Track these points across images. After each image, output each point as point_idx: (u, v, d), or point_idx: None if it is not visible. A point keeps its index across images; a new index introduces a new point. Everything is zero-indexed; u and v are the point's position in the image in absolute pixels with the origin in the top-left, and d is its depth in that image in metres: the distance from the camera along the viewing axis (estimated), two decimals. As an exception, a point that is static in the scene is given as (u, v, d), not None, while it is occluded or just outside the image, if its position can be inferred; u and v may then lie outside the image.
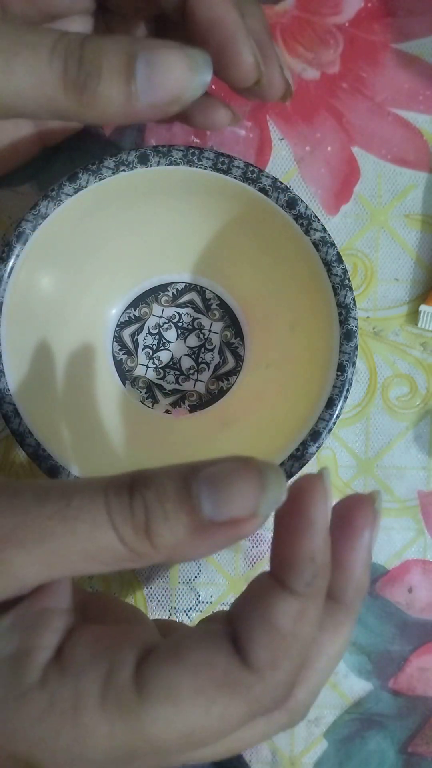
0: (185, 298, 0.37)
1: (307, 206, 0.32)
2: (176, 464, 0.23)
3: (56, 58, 0.26)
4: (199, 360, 0.37)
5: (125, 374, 0.37)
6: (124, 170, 0.32)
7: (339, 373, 0.32)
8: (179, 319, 0.37)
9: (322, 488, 0.23)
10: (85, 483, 0.22)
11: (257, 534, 0.38)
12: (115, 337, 0.37)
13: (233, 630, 0.23)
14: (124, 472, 0.23)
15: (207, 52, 0.27)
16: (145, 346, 0.37)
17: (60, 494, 0.22)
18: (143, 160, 0.32)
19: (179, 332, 0.37)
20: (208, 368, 0.37)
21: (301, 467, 0.32)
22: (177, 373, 0.37)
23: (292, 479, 0.31)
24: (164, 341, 0.37)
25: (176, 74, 0.26)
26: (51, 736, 0.21)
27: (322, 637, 0.25)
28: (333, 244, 0.32)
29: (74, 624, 0.23)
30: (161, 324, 0.37)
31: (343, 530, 0.24)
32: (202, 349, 0.37)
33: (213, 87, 0.29)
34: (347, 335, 0.32)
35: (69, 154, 0.38)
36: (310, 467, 0.37)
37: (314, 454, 0.32)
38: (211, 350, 0.37)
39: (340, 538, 0.24)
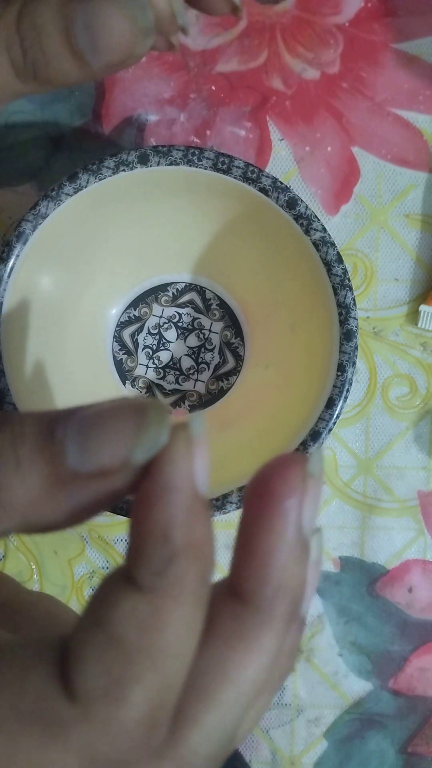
0: (185, 298, 0.37)
1: (307, 206, 0.32)
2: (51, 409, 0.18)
3: (0, 54, 0.25)
4: (199, 360, 0.37)
5: (125, 374, 0.37)
6: (124, 170, 0.32)
7: (339, 373, 0.32)
8: (179, 319, 0.37)
9: (185, 437, 0.17)
10: None
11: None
12: (115, 337, 0.37)
13: (65, 643, 0.17)
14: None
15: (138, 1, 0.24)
16: (145, 346, 0.37)
17: None
18: (143, 160, 0.32)
19: (179, 332, 0.37)
20: (208, 368, 0.37)
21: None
22: (177, 373, 0.37)
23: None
24: (164, 341, 0.37)
25: (117, 32, 0.24)
26: None
27: (226, 655, 0.17)
28: (333, 244, 0.32)
29: None
30: (161, 324, 0.37)
31: (257, 502, 0.17)
32: (202, 349, 0.37)
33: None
34: (347, 335, 0.32)
35: (69, 154, 0.38)
36: (310, 467, 0.37)
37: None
38: (211, 350, 0.37)
39: (251, 515, 0.17)
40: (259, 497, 0.17)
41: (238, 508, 0.32)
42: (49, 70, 0.25)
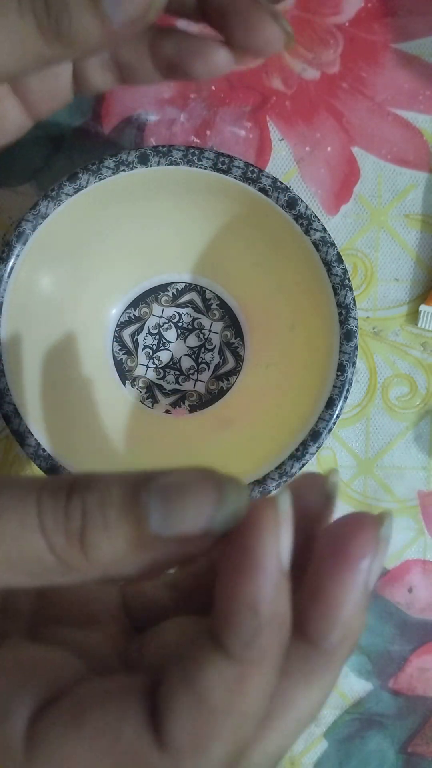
0: (185, 298, 0.37)
1: (307, 206, 0.32)
2: (131, 471, 0.19)
3: (25, 12, 0.26)
4: (199, 360, 0.37)
5: (125, 374, 0.37)
6: (124, 170, 0.32)
7: (339, 373, 0.32)
8: (179, 319, 0.37)
9: (273, 516, 0.18)
10: (20, 480, 0.19)
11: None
12: (115, 337, 0.37)
13: (152, 687, 0.18)
14: (69, 473, 0.20)
15: None
16: (145, 346, 0.37)
17: None
18: (143, 160, 0.32)
19: (179, 332, 0.37)
20: (208, 368, 0.37)
21: (301, 467, 0.32)
22: (177, 373, 0.37)
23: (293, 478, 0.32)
24: (164, 341, 0.37)
25: None
26: None
27: (291, 689, 0.19)
28: (333, 244, 0.32)
29: None
30: (161, 324, 0.37)
31: (334, 557, 0.19)
32: (202, 349, 0.37)
33: (205, 29, 0.29)
34: (347, 335, 0.32)
35: (69, 154, 0.38)
36: (310, 467, 0.37)
37: (314, 454, 0.32)
38: (211, 350, 0.37)
39: (327, 567, 0.19)
40: (334, 553, 0.19)
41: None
42: (71, 26, 0.25)
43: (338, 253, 0.32)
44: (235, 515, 0.18)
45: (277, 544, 0.18)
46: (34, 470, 0.37)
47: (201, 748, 0.17)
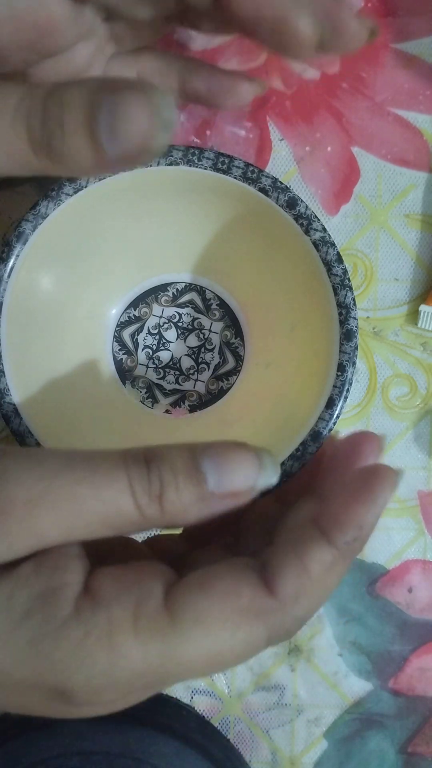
0: (185, 298, 0.37)
1: (307, 206, 0.32)
2: (177, 444, 0.25)
3: (19, 121, 0.25)
4: (199, 360, 0.37)
5: (125, 374, 0.37)
6: (124, 170, 0.32)
7: (339, 373, 0.32)
8: (179, 319, 0.37)
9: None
10: (103, 453, 0.25)
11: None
12: (115, 337, 0.37)
13: (263, 560, 0.24)
14: (132, 447, 0.25)
15: (165, 94, 0.25)
16: (145, 346, 0.37)
17: (85, 462, 0.24)
18: (143, 160, 0.32)
19: (179, 332, 0.37)
20: (208, 368, 0.37)
21: (301, 467, 0.32)
22: (177, 373, 0.37)
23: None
24: (164, 341, 0.37)
25: (138, 119, 0.24)
26: (88, 662, 0.23)
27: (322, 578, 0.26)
28: (333, 244, 0.32)
29: (91, 566, 0.25)
30: (161, 324, 0.37)
31: (360, 486, 0.25)
32: (202, 349, 0.37)
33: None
34: (347, 335, 0.32)
35: (69, 154, 0.38)
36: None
37: (314, 454, 0.32)
38: (211, 350, 0.37)
39: (355, 489, 0.25)
40: (360, 484, 0.25)
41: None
42: (63, 147, 0.25)
43: (338, 253, 0.32)
44: (271, 478, 0.25)
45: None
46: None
47: (299, 600, 0.24)
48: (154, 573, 0.25)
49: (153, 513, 0.24)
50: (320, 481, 0.28)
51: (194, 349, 0.37)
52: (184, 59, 0.33)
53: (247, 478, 0.25)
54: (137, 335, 0.37)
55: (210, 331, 0.37)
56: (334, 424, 0.32)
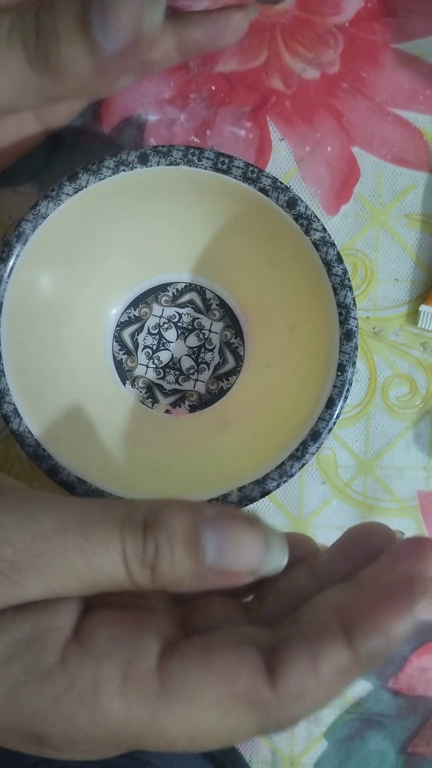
0: (185, 298, 0.37)
1: (307, 206, 0.32)
2: (184, 502, 0.24)
3: (14, 38, 0.25)
4: (199, 360, 0.37)
5: (125, 374, 0.37)
6: (124, 170, 0.32)
7: (339, 373, 0.32)
8: (179, 319, 0.37)
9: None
10: (100, 514, 0.23)
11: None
12: (115, 337, 0.37)
13: (273, 646, 0.23)
14: (138, 502, 0.24)
15: None
16: (145, 346, 0.37)
17: (78, 526, 0.23)
18: (143, 160, 0.32)
19: (179, 332, 0.37)
20: (208, 368, 0.37)
21: (301, 467, 0.32)
22: (177, 373, 0.37)
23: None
24: (164, 341, 0.37)
25: (129, 6, 0.25)
26: (67, 716, 0.22)
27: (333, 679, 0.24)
28: (333, 244, 0.32)
29: (86, 607, 0.24)
30: (161, 324, 0.37)
31: (401, 590, 0.23)
32: (202, 349, 0.37)
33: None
34: (347, 335, 0.32)
35: (69, 154, 0.38)
36: (310, 467, 0.38)
37: (314, 454, 0.32)
38: (211, 350, 0.37)
39: (393, 593, 0.23)
40: (396, 590, 0.23)
41: (237, 507, 0.32)
42: (60, 54, 0.25)
43: (338, 253, 0.32)
44: (278, 565, 0.23)
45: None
46: (34, 470, 0.37)
47: (299, 700, 0.22)
48: (153, 626, 0.24)
49: (144, 581, 0.23)
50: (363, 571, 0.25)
51: (194, 349, 0.37)
52: (173, 16, 0.32)
53: (250, 560, 0.23)
54: (137, 335, 0.37)
55: (210, 331, 0.37)
56: (334, 424, 0.32)
